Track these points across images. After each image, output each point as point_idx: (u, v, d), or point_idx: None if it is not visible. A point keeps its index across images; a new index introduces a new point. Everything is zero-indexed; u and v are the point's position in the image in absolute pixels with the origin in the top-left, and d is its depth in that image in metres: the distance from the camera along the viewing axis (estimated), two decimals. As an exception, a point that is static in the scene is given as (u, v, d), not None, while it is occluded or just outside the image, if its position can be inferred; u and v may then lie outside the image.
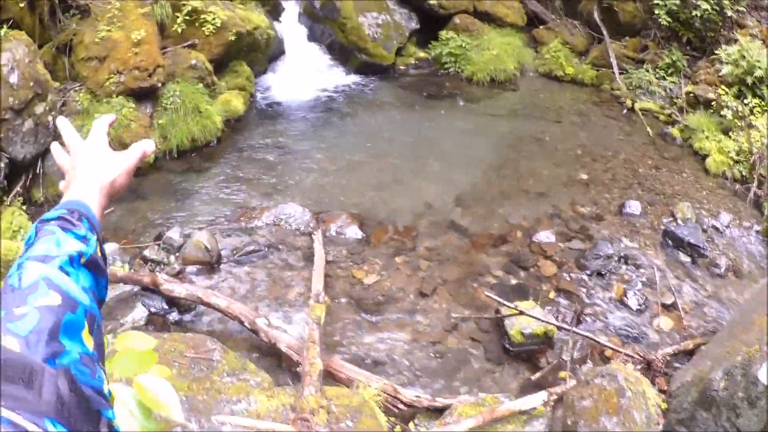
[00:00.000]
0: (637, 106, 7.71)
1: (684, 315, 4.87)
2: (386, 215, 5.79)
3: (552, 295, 4.84)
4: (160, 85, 5.86)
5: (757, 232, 5.86)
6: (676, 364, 4.36)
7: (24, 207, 5.18)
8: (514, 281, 4.96)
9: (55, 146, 1.02)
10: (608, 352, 4.37)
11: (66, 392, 0.58)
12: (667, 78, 7.93)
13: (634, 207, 5.93)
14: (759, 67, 6.73)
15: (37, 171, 5.41)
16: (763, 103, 6.71)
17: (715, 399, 3.25)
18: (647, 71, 8.04)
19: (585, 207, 6.04)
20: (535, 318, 4.23)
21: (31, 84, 5.23)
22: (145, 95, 5.89)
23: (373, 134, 7.30)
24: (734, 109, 6.76)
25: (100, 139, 0.99)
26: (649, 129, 7.34)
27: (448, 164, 6.81)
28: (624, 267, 5.23)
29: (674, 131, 7.29)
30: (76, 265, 0.80)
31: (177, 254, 4.82)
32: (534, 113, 8.00)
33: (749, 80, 6.79)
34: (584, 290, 4.98)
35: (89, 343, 0.72)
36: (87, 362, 0.69)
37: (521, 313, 4.24)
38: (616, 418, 3.32)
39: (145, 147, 1.03)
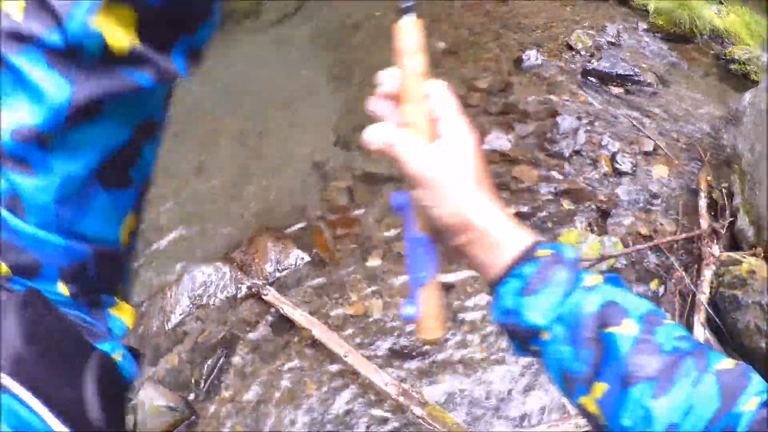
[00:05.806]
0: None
1: (669, 153, 4.11)
2: (293, 202, 3.85)
3: (566, 204, 3.63)
4: None
5: (645, 30, 5.25)
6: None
7: None
8: (513, 208, 3.62)
9: None
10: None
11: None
12: None
13: (532, 57, 4.83)
14: None
15: None
16: None
17: None
18: None
19: (480, 80, 4.77)
20: (624, 252, 3.02)
21: None
22: None
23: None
24: None
25: None
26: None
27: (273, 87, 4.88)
28: (584, 130, 4.20)
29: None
30: None
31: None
32: None
33: None
34: (581, 180, 3.86)
35: None
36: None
37: (602, 258, 2.99)
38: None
39: None
